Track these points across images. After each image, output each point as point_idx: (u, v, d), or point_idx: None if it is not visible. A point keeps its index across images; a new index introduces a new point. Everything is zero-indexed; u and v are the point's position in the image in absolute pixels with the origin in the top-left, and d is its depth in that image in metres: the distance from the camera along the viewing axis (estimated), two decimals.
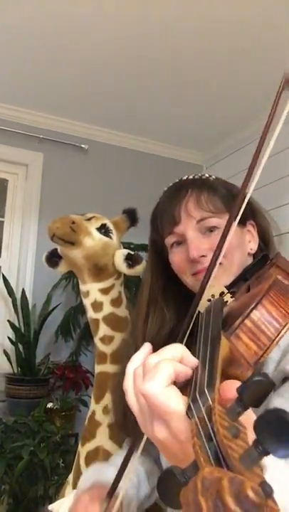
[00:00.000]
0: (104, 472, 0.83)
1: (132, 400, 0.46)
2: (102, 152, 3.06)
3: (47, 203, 2.81)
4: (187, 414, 0.37)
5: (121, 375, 0.91)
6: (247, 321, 0.47)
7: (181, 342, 0.55)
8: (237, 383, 0.36)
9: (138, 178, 3.09)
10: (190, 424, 0.35)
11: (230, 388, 0.35)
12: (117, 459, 0.90)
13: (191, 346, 0.52)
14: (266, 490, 0.23)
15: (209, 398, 0.35)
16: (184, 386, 0.43)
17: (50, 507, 1.10)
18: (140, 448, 0.53)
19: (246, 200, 0.56)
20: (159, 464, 0.88)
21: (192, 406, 0.36)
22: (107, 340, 1.18)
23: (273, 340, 0.47)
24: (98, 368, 1.19)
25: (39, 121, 2.86)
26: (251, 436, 0.28)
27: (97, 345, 1.19)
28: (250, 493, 0.22)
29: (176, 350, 0.45)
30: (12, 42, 2.20)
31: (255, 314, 0.48)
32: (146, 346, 0.50)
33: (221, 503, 0.22)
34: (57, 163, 2.91)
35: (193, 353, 0.46)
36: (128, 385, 0.47)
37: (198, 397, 0.36)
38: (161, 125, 2.98)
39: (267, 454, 0.26)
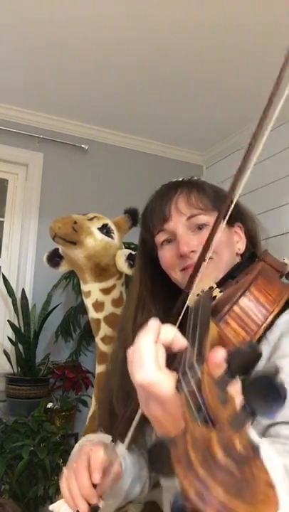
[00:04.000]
0: (99, 437, 0.84)
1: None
2: (102, 152, 3.06)
3: (47, 203, 2.81)
4: (177, 388, 0.38)
5: (108, 374, 0.91)
6: (235, 307, 0.48)
7: None
8: (222, 349, 0.37)
9: (138, 179, 3.08)
10: (179, 397, 0.36)
11: (217, 352, 0.36)
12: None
13: None
14: (254, 447, 0.24)
15: (198, 371, 0.36)
16: (172, 362, 0.44)
17: (50, 507, 1.10)
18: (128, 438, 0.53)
19: (235, 200, 0.57)
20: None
21: (182, 379, 0.37)
22: (108, 340, 1.18)
23: (261, 326, 0.48)
24: (99, 368, 1.19)
25: (39, 121, 2.85)
26: (239, 403, 0.29)
27: (98, 345, 1.19)
28: (238, 446, 0.23)
29: (170, 331, 0.46)
30: (12, 42, 2.20)
31: (243, 301, 0.49)
32: (155, 322, 0.49)
33: (209, 454, 0.23)
34: (57, 163, 2.91)
35: None
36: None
37: (187, 370, 0.37)
38: (161, 125, 2.98)
39: (254, 414, 0.27)
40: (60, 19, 2.03)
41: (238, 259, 0.85)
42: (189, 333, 0.46)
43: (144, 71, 2.39)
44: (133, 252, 1.17)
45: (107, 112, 2.83)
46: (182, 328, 0.56)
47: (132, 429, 0.55)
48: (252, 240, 0.89)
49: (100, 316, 1.18)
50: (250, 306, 0.48)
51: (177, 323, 0.56)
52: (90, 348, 2.61)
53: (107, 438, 0.79)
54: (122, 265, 1.16)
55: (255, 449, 0.24)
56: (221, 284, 0.73)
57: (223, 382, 0.33)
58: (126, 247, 1.24)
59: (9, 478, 1.91)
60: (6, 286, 2.56)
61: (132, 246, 2.31)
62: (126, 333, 0.88)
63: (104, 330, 1.18)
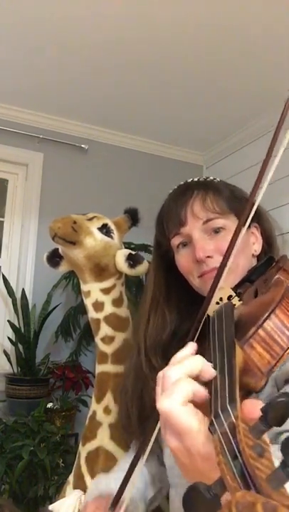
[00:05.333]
0: (109, 484, 0.84)
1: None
2: (102, 152, 3.06)
3: (47, 203, 2.81)
4: (209, 429, 0.38)
5: (124, 376, 0.91)
6: (260, 331, 0.48)
7: None
8: (258, 403, 0.37)
9: (138, 178, 3.09)
10: (213, 440, 0.36)
11: (254, 409, 0.36)
12: (123, 465, 0.90)
13: (198, 349, 0.52)
14: None
15: (232, 415, 0.36)
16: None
17: (50, 507, 1.10)
18: (146, 454, 0.54)
19: (256, 205, 0.56)
20: (162, 462, 0.88)
21: (215, 422, 0.37)
22: (108, 340, 1.17)
23: (286, 350, 0.47)
24: (99, 368, 1.18)
25: (39, 121, 2.86)
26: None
27: (98, 345, 1.19)
28: None
29: (197, 363, 0.45)
30: (12, 42, 2.20)
31: (269, 324, 0.48)
32: (190, 346, 0.50)
33: None
34: (57, 163, 2.91)
35: (207, 359, 0.47)
36: (156, 390, 0.48)
37: (220, 413, 0.37)
38: (161, 125, 2.98)
39: None
40: (60, 19, 2.03)
41: (254, 261, 0.84)
42: (216, 356, 0.46)
43: (144, 71, 2.39)
44: (133, 252, 1.17)
45: (107, 112, 2.84)
46: (201, 337, 0.56)
47: (150, 444, 0.55)
48: (268, 239, 0.88)
49: (100, 316, 1.18)
50: (276, 329, 0.48)
51: (196, 335, 0.56)
52: (90, 348, 2.62)
53: (116, 480, 0.79)
54: (122, 265, 1.16)
55: None
56: (238, 287, 0.72)
57: (258, 431, 0.32)
58: (126, 247, 1.24)
59: (9, 478, 1.91)
60: (6, 286, 2.56)
61: (132, 246, 2.32)
62: (139, 333, 0.88)
63: (104, 330, 1.18)
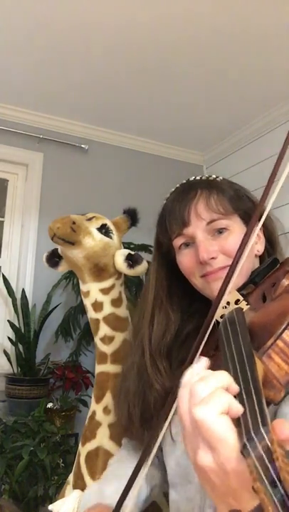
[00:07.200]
0: (105, 491, 0.83)
1: (185, 418, 0.44)
2: (102, 152, 3.06)
3: (47, 203, 2.81)
4: (242, 453, 0.36)
5: (122, 376, 0.90)
6: (279, 342, 0.47)
7: (196, 351, 0.55)
8: (285, 422, 0.35)
9: (138, 179, 3.09)
10: (247, 464, 0.35)
11: (284, 430, 0.35)
12: (116, 471, 0.89)
13: (206, 355, 0.51)
14: None
15: (266, 438, 0.35)
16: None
17: (50, 507, 1.10)
18: (147, 465, 0.53)
19: (266, 212, 0.55)
20: (162, 464, 0.87)
21: (248, 445, 0.35)
22: (107, 340, 1.17)
23: None
24: (98, 368, 1.18)
25: (39, 121, 2.86)
26: None
27: (98, 345, 1.19)
28: None
29: (224, 379, 0.44)
30: (13, 42, 2.20)
31: (288, 334, 0.47)
32: (203, 361, 0.49)
33: None
34: (57, 163, 2.91)
35: (221, 367, 0.46)
36: (183, 402, 0.45)
37: (253, 436, 0.36)
38: (161, 125, 2.98)
39: None
40: (61, 19, 2.03)
41: (256, 262, 0.83)
42: (236, 369, 0.45)
43: (144, 71, 2.39)
44: (132, 252, 1.17)
45: (107, 112, 2.84)
46: (207, 342, 0.56)
47: (154, 450, 0.54)
48: (270, 238, 0.87)
49: (99, 316, 1.18)
50: None
51: (204, 340, 0.56)
52: (90, 348, 2.62)
53: (112, 488, 0.78)
54: (121, 265, 1.16)
55: None
56: (242, 288, 0.71)
57: None
58: (126, 247, 1.24)
59: (9, 478, 1.91)
60: (6, 286, 2.56)
61: (132, 246, 2.32)
62: (143, 333, 0.86)
63: (104, 330, 1.18)
